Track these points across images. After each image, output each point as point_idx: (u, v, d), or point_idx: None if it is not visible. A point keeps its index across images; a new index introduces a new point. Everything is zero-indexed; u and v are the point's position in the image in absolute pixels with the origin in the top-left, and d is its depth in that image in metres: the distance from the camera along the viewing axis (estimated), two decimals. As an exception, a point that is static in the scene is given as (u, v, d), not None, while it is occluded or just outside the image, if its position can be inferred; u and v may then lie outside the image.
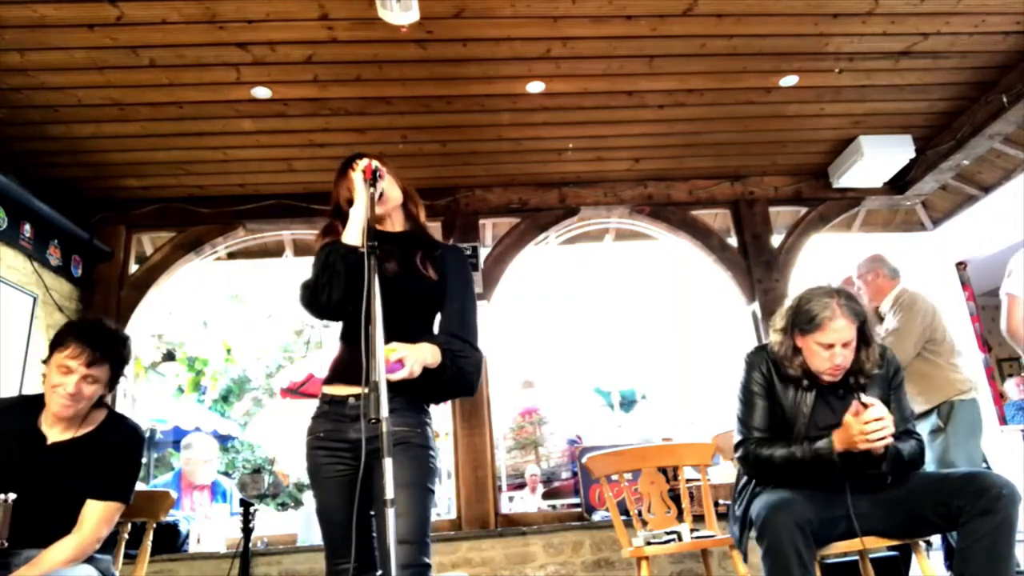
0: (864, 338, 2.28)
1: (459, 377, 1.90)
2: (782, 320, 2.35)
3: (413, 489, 1.80)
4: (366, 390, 1.58)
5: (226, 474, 7.76)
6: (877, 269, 3.79)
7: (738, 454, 2.35)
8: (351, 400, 1.89)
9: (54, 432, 2.15)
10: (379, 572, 1.81)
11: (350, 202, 1.97)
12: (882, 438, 2.06)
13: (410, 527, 1.75)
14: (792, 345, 2.31)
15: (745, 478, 2.42)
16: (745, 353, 2.46)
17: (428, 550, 1.80)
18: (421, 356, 1.79)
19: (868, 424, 2.06)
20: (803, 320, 2.26)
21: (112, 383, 2.21)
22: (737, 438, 2.38)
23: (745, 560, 2.43)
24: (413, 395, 1.89)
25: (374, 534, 1.89)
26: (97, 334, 2.18)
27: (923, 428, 3.48)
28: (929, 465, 3.41)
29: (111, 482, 2.14)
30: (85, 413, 2.19)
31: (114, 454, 2.17)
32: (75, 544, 2.06)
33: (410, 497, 1.78)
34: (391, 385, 1.79)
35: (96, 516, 2.10)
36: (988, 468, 3.36)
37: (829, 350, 2.22)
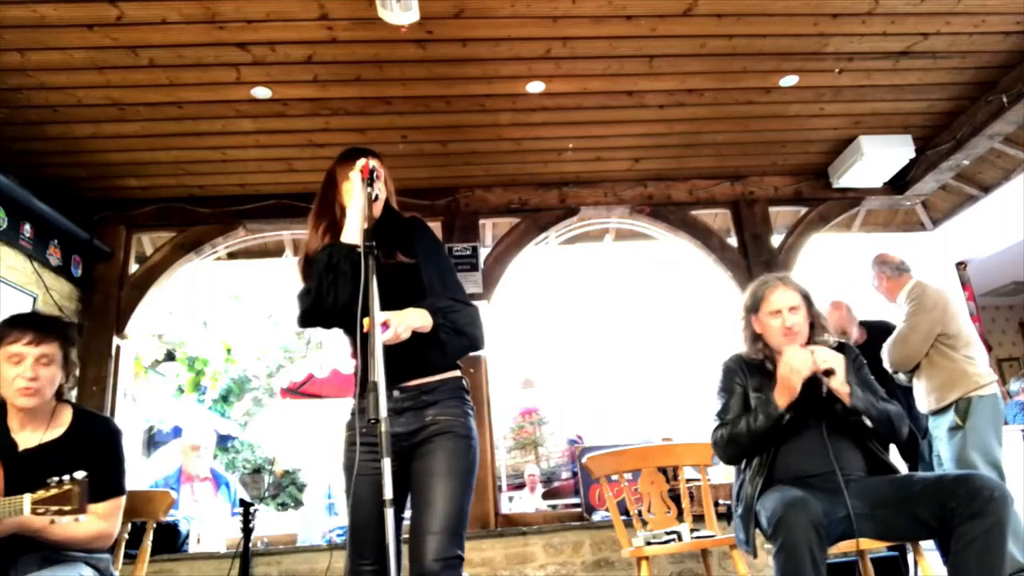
0: (814, 316, 2.47)
1: (456, 332, 1.90)
2: (740, 312, 2.58)
3: (452, 479, 1.80)
4: (367, 391, 1.58)
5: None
6: (878, 273, 3.81)
7: (711, 441, 2.48)
8: (395, 393, 1.86)
9: (24, 436, 2.11)
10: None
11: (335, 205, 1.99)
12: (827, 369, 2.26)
13: (445, 517, 1.74)
14: (752, 332, 2.52)
15: (743, 478, 2.44)
16: (723, 361, 2.61)
17: (462, 542, 1.76)
18: (407, 320, 1.78)
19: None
20: (751, 302, 2.51)
21: (66, 366, 2.15)
22: (712, 428, 2.51)
23: (755, 555, 2.43)
24: (426, 361, 1.88)
25: (404, 535, 1.85)
26: (34, 317, 2.17)
27: (941, 426, 3.43)
28: (947, 463, 3.37)
29: (102, 480, 2.10)
30: (51, 409, 2.15)
31: (95, 453, 2.13)
32: (94, 526, 2.05)
33: (448, 487, 1.78)
34: (433, 372, 1.85)
35: (102, 514, 2.09)
36: (1001, 471, 3.31)
37: (778, 316, 2.42)
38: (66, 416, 2.19)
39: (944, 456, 3.43)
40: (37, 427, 2.13)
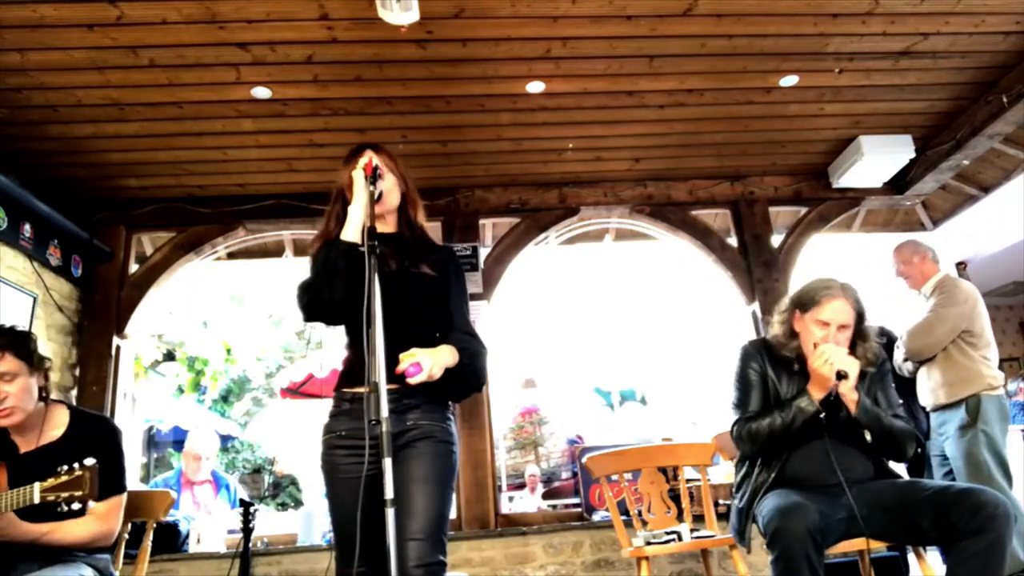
0: (861, 334, 2.34)
1: (475, 375, 1.94)
2: (786, 302, 2.45)
3: (433, 485, 1.79)
4: (367, 390, 1.58)
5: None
6: (923, 252, 3.72)
7: (733, 434, 2.41)
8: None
9: (23, 440, 2.12)
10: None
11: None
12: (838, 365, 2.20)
13: (427, 523, 1.73)
14: (790, 328, 2.39)
15: (744, 470, 2.44)
16: (741, 345, 2.53)
17: (444, 548, 1.76)
18: (442, 360, 1.81)
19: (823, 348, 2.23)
20: (804, 298, 2.35)
21: (35, 369, 2.13)
22: (732, 420, 2.44)
23: (748, 551, 2.42)
24: (433, 395, 1.90)
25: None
26: None
27: (948, 422, 3.41)
28: (956, 461, 3.36)
29: (102, 479, 2.08)
30: (44, 413, 2.15)
31: (94, 452, 2.10)
32: (92, 527, 2.04)
33: (430, 493, 1.77)
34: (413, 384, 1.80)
35: (102, 513, 2.08)
36: (1009, 474, 3.31)
37: (825, 329, 2.29)
38: (62, 417, 2.20)
39: (950, 453, 3.40)
40: (33, 431, 2.14)
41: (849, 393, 2.22)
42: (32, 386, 2.11)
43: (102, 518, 2.08)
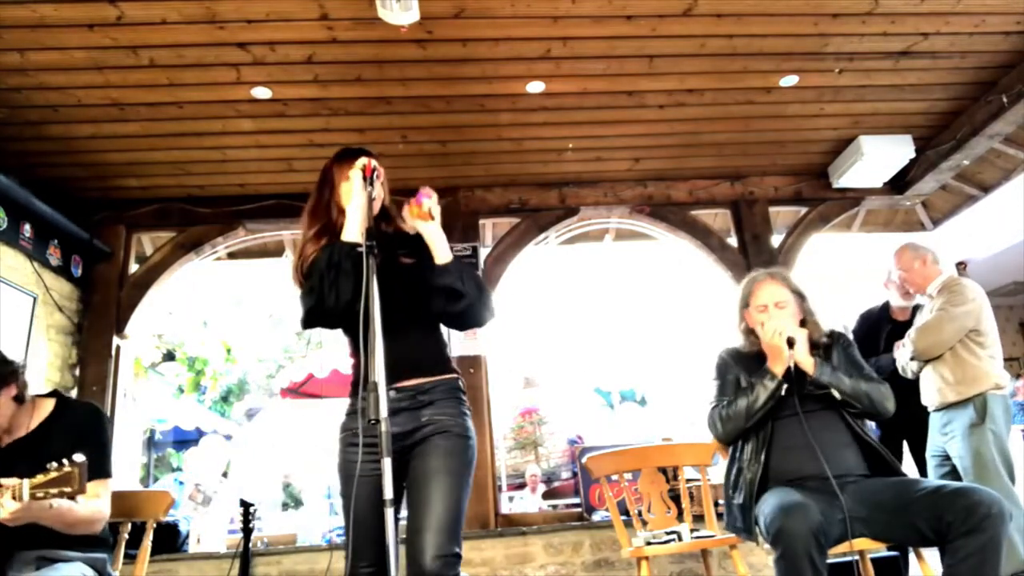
0: (806, 312, 2.50)
1: (476, 284, 1.94)
2: (736, 309, 2.64)
3: (449, 477, 1.79)
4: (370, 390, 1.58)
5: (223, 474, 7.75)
6: (923, 256, 3.69)
7: (709, 421, 2.55)
8: (391, 394, 1.82)
9: (8, 436, 2.13)
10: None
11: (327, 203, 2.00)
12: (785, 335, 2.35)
13: (443, 516, 1.73)
14: (746, 327, 2.57)
15: (736, 467, 2.47)
16: (718, 354, 2.68)
17: (460, 540, 1.76)
18: (438, 224, 1.91)
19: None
20: (742, 296, 2.57)
21: (7, 382, 2.12)
22: (709, 409, 2.58)
23: (758, 542, 2.41)
24: (448, 390, 1.91)
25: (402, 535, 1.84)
26: None
27: (955, 420, 3.40)
28: (963, 459, 3.34)
29: (88, 463, 2.05)
30: (29, 409, 2.16)
31: (77, 434, 2.12)
32: (90, 506, 2.02)
33: (445, 485, 1.77)
34: (430, 374, 1.87)
35: (94, 494, 2.06)
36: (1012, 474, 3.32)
37: (764, 312, 2.46)
38: (47, 407, 2.20)
39: (956, 452, 3.38)
40: (20, 428, 2.14)
41: (805, 358, 2.35)
42: (7, 397, 2.11)
43: (95, 498, 2.07)
